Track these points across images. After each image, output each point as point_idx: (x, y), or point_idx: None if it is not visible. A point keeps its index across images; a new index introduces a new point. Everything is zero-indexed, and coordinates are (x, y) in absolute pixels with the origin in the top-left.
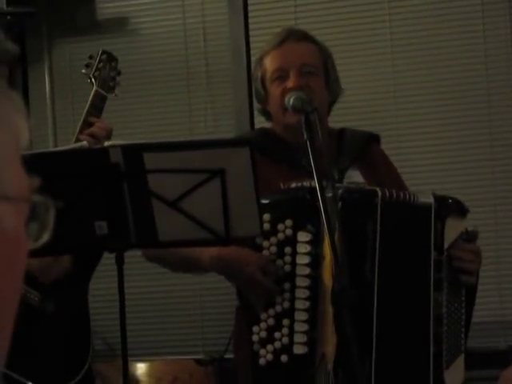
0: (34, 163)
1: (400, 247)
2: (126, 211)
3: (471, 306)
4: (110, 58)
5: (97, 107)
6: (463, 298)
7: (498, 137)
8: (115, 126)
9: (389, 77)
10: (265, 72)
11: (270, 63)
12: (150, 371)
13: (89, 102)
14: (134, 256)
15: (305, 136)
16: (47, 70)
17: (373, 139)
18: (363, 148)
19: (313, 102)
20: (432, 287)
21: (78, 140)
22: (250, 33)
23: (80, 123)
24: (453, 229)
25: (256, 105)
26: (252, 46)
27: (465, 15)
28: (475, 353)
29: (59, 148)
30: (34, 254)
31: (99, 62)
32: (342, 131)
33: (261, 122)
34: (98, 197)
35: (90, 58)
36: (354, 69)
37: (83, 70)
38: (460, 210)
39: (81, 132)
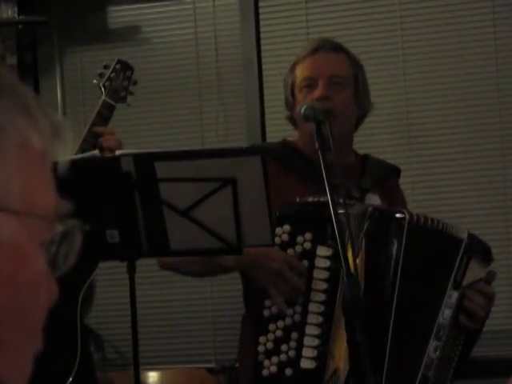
0: None
1: (421, 270)
2: (137, 220)
3: (470, 347)
4: (125, 67)
5: (103, 117)
6: (462, 338)
7: (510, 145)
8: (126, 134)
9: (400, 85)
10: (295, 79)
11: (300, 71)
12: (161, 380)
13: (95, 112)
14: (145, 265)
15: (316, 145)
16: (59, 78)
17: (394, 171)
18: (385, 176)
19: (330, 111)
20: (438, 318)
21: (82, 149)
22: (262, 42)
23: (85, 132)
24: (473, 272)
25: (274, 114)
26: (263, 55)
27: (476, 22)
28: (489, 361)
29: (71, 157)
30: None
31: (112, 72)
32: (366, 156)
33: (272, 130)
34: (109, 205)
35: (105, 67)
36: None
37: (94, 80)
38: (487, 257)
39: (85, 141)
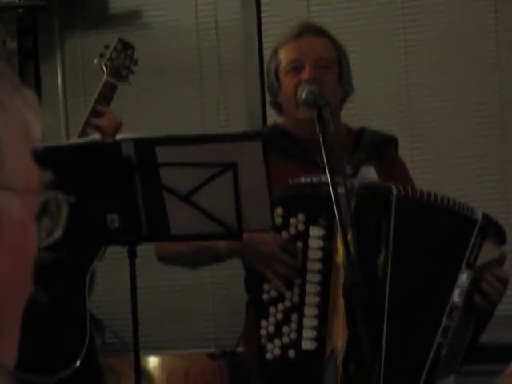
0: (46, 157)
1: (423, 247)
2: (137, 205)
3: (481, 329)
4: (126, 46)
5: (105, 97)
6: (474, 320)
7: (511, 130)
8: (127, 119)
9: (401, 71)
10: (279, 63)
11: (285, 54)
12: (161, 365)
13: (97, 92)
14: (146, 249)
15: (317, 130)
16: (59, 63)
17: (391, 142)
18: (380, 148)
19: (325, 96)
20: (451, 297)
21: (83, 131)
22: (263, 26)
23: (88, 113)
24: (487, 252)
25: (268, 98)
26: (264, 39)
27: (477, 14)
28: (497, 347)
29: (71, 142)
30: (46, 247)
31: (113, 51)
32: (361, 130)
33: (273, 114)
34: (109, 190)
35: (106, 47)
36: (367, 61)
37: (95, 60)
38: (501, 237)
39: (87, 122)
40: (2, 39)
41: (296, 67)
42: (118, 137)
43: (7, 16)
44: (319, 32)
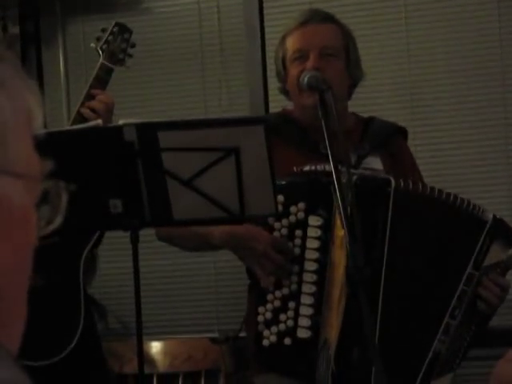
0: (48, 142)
1: (422, 241)
2: (140, 190)
3: (480, 329)
4: (123, 29)
5: (101, 80)
6: (475, 321)
7: None
8: (130, 104)
9: (403, 54)
10: (286, 51)
11: (291, 43)
12: (164, 350)
13: (93, 75)
14: (148, 234)
15: (319, 114)
16: (61, 48)
17: (399, 132)
18: (388, 138)
19: (329, 83)
20: (456, 296)
21: (78, 113)
22: (265, 11)
23: (83, 96)
24: (494, 254)
25: (276, 83)
26: (266, 24)
27: (480, 6)
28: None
29: (73, 127)
30: (49, 233)
31: (110, 35)
32: (370, 119)
33: (275, 100)
34: (112, 175)
35: (103, 31)
36: (368, 46)
37: (92, 44)
38: (509, 240)
39: (83, 104)
40: (3, 24)
41: (301, 56)
42: (121, 122)
43: (9, 1)
44: (325, 19)
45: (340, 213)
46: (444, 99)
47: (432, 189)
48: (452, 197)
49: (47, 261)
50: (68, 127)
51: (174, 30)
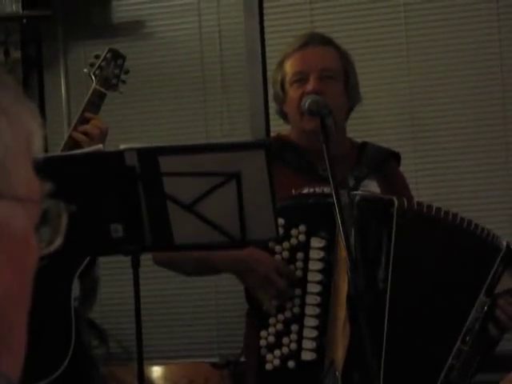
0: (49, 166)
1: (427, 262)
2: (141, 214)
3: (487, 354)
4: (116, 55)
5: (94, 105)
6: (485, 345)
7: None
8: (131, 128)
9: (404, 79)
10: (285, 74)
11: (290, 66)
12: (165, 374)
13: (86, 100)
14: (149, 259)
15: (320, 139)
16: (63, 72)
17: (393, 156)
18: (383, 162)
19: (329, 106)
20: (468, 322)
21: (70, 137)
22: (266, 36)
23: (75, 120)
24: (505, 282)
25: (274, 106)
26: (267, 49)
27: (480, 23)
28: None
29: (75, 151)
30: (50, 256)
31: (103, 61)
32: (364, 144)
33: (276, 124)
34: (113, 200)
35: (96, 57)
36: (369, 72)
37: (85, 70)
38: None
39: (75, 128)
40: (5, 49)
41: (301, 79)
42: (122, 147)
43: (11, 26)
44: (325, 42)
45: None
46: (444, 124)
47: (438, 210)
48: (466, 221)
49: (38, 283)
50: (70, 151)
51: (176, 54)
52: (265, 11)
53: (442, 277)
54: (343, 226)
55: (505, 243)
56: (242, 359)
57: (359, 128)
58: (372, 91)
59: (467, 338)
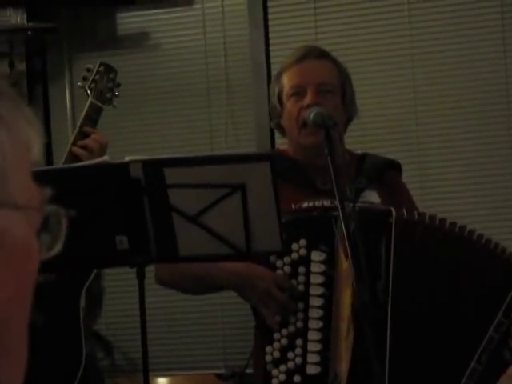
0: (54, 178)
1: (429, 273)
2: (146, 226)
3: (499, 377)
4: (108, 69)
5: (91, 119)
6: (498, 368)
7: None
8: (136, 140)
9: (409, 91)
10: (282, 87)
11: (287, 79)
12: None
13: (83, 114)
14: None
15: (326, 152)
16: (68, 85)
17: (393, 166)
18: (382, 172)
19: (333, 117)
20: (484, 342)
21: (70, 151)
22: (271, 48)
23: (74, 134)
24: None
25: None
26: (272, 60)
27: (484, 29)
28: None
29: (80, 163)
30: (55, 269)
31: (96, 74)
32: (363, 155)
33: (281, 136)
34: (118, 211)
35: (88, 70)
36: (374, 83)
37: (79, 83)
38: None
39: (74, 143)
40: (10, 61)
41: (298, 92)
42: (127, 158)
43: (16, 38)
44: (321, 55)
45: (343, 245)
46: (450, 143)
47: (443, 220)
48: (476, 234)
49: (46, 298)
50: (74, 164)
51: (181, 66)
52: (270, 23)
53: (452, 292)
54: (349, 238)
55: None
56: (248, 371)
57: (360, 134)
58: (376, 103)
59: (482, 358)
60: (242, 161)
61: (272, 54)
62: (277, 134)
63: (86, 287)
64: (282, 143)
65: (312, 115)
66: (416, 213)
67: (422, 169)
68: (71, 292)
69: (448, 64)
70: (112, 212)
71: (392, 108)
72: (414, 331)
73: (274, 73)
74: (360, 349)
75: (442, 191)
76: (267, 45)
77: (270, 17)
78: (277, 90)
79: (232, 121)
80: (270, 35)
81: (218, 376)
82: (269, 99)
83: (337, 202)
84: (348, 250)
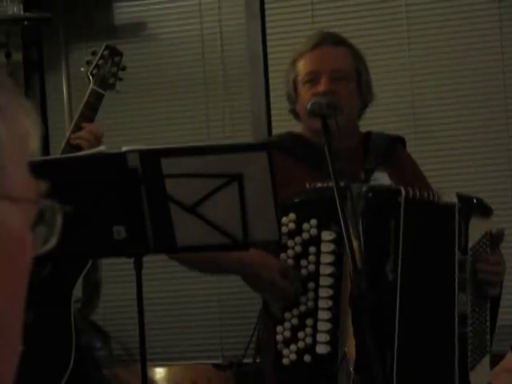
0: (52, 168)
1: (423, 247)
2: (143, 216)
3: (495, 313)
4: (114, 52)
5: (92, 106)
6: (488, 300)
7: None
8: (132, 131)
9: (406, 80)
10: (297, 74)
11: (302, 66)
12: (168, 376)
13: (84, 101)
14: (152, 261)
15: (322, 140)
16: (64, 75)
17: (398, 141)
18: (389, 150)
19: (337, 106)
20: (457, 287)
21: (68, 142)
22: (267, 37)
23: (72, 124)
24: (477, 229)
25: (279, 109)
26: (269, 50)
27: (482, 24)
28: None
29: (77, 153)
30: (53, 260)
31: (100, 59)
32: (367, 134)
33: (278, 126)
34: (115, 202)
35: (93, 53)
36: (372, 73)
37: (82, 68)
38: (484, 210)
39: (73, 132)
40: (7, 51)
41: (312, 79)
42: (124, 148)
43: (12, 28)
44: (337, 42)
45: (353, 224)
46: (447, 136)
47: (428, 193)
48: (430, 194)
49: (36, 296)
50: (72, 154)
51: (178, 56)
52: (266, 13)
53: (433, 258)
54: (345, 225)
55: (456, 197)
56: (245, 360)
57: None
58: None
59: (464, 300)
60: (239, 150)
61: (269, 44)
62: (274, 123)
63: (83, 277)
64: (278, 132)
65: (309, 105)
66: (420, 190)
67: (419, 158)
68: (63, 286)
69: (444, 53)
70: (109, 202)
71: (389, 104)
72: (419, 308)
73: (270, 62)
74: (361, 336)
75: (439, 180)
76: (264, 35)
77: (266, 7)
78: (292, 77)
79: (229, 110)
80: (267, 25)
81: (216, 366)
82: (266, 88)
83: (332, 183)
84: (346, 239)
